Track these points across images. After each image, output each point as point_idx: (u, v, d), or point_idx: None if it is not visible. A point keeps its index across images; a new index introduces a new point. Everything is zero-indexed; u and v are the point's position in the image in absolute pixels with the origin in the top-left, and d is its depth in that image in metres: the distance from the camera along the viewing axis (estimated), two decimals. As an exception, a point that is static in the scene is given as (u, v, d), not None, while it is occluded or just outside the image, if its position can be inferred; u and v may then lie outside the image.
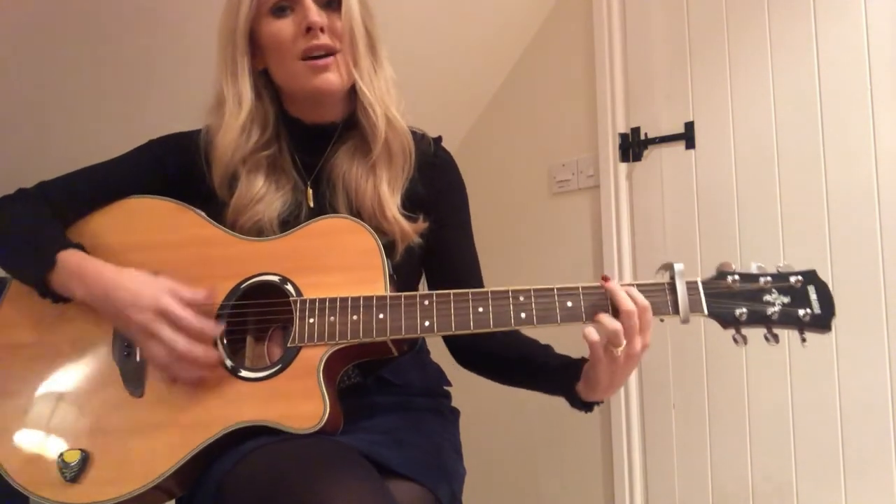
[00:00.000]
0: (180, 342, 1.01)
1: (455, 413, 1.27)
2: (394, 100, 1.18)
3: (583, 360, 1.11)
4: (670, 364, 2.20)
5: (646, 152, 2.28)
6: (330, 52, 1.12)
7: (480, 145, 2.65)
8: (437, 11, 2.24)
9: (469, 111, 2.67)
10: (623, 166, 2.31)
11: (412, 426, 1.15)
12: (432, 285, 1.25)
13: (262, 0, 1.13)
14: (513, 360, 1.21)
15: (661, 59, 2.25)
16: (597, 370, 1.04)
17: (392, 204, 1.15)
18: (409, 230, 1.16)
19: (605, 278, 1.03)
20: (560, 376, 1.13)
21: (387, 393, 1.18)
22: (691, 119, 2.18)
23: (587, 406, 1.13)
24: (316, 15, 1.11)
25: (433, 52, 2.30)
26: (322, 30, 1.11)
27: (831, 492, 1.89)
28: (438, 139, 1.27)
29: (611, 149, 2.32)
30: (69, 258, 1.06)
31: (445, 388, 1.28)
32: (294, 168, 1.19)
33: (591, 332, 1.01)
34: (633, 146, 2.29)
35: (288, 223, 1.15)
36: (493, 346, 1.20)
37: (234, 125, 1.14)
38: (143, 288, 1.03)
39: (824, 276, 1.84)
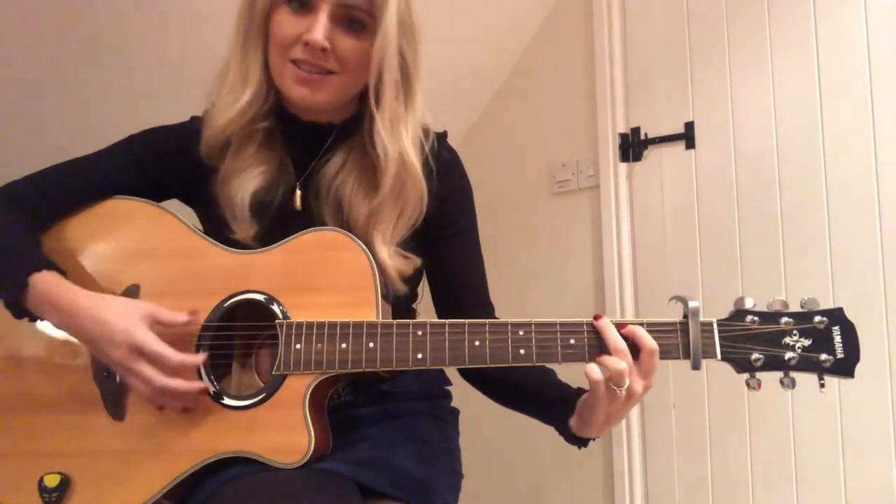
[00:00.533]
0: (157, 378, 0.96)
1: (454, 414, 1.24)
2: (415, 140, 1.08)
3: (577, 394, 1.05)
4: (670, 364, 2.19)
5: (646, 152, 2.28)
6: (322, 72, 1.04)
7: (480, 145, 2.64)
8: (437, 12, 2.23)
9: (469, 111, 2.67)
10: (623, 166, 2.31)
11: (402, 437, 1.11)
12: (436, 292, 1.20)
13: None
14: (509, 386, 1.15)
15: (661, 59, 2.25)
16: (595, 409, 0.98)
17: (385, 250, 1.06)
18: (395, 276, 1.06)
19: (598, 316, 0.96)
20: (553, 411, 1.08)
21: (378, 403, 1.14)
22: (691, 119, 2.18)
23: (581, 441, 1.07)
24: (319, 34, 1.00)
25: (433, 53, 2.28)
26: (324, 50, 1.01)
27: (831, 492, 1.89)
28: (443, 135, 1.17)
29: (611, 149, 2.32)
30: (41, 283, 1.00)
31: (445, 388, 1.25)
32: (284, 157, 1.12)
33: (594, 370, 0.94)
34: (633, 146, 2.29)
35: (260, 206, 1.08)
36: (491, 369, 1.09)
37: (236, 105, 1.06)
38: (117, 320, 0.97)
39: (824, 275, 1.88)
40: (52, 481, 1.01)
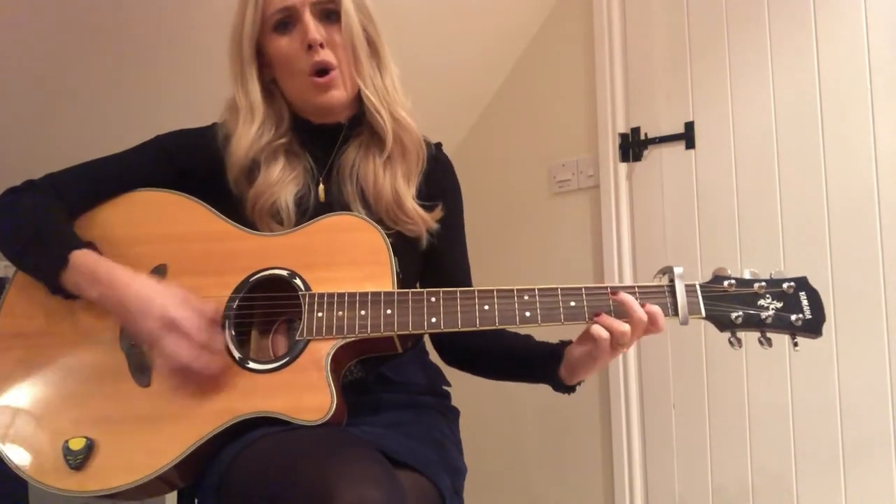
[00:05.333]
0: (184, 353, 1.01)
1: (455, 412, 1.28)
2: (400, 99, 1.21)
3: (563, 346, 1.16)
4: (670, 364, 2.20)
5: (646, 152, 2.28)
6: (331, 68, 1.15)
7: (480, 145, 2.65)
8: (438, 12, 2.24)
9: (469, 111, 2.67)
10: (623, 166, 2.31)
11: (415, 421, 1.17)
12: (424, 286, 1.25)
13: (265, 17, 1.16)
14: (497, 355, 1.24)
15: (661, 59, 2.25)
16: (596, 360, 1.09)
17: (409, 195, 1.19)
18: (428, 217, 1.20)
19: (614, 291, 1.07)
20: (544, 364, 1.18)
21: (390, 391, 1.19)
22: (691, 119, 2.18)
23: (571, 389, 1.19)
24: (314, 32, 1.14)
25: (433, 53, 2.30)
26: (322, 45, 1.14)
27: (831, 492, 1.89)
28: (439, 145, 1.30)
29: (611, 149, 2.32)
30: (82, 259, 1.06)
31: (445, 388, 1.29)
32: (307, 159, 1.22)
33: (601, 330, 1.05)
34: (633, 146, 2.29)
35: (300, 206, 1.17)
36: (477, 343, 1.22)
37: (248, 133, 1.17)
38: (153, 296, 1.03)
39: (824, 276, 1.88)
40: (76, 444, 1.03)
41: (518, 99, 2.60)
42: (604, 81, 2.34)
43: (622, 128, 2.31)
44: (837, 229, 1.91)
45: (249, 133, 1.16)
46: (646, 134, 2.27)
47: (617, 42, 2.33)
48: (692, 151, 2.18)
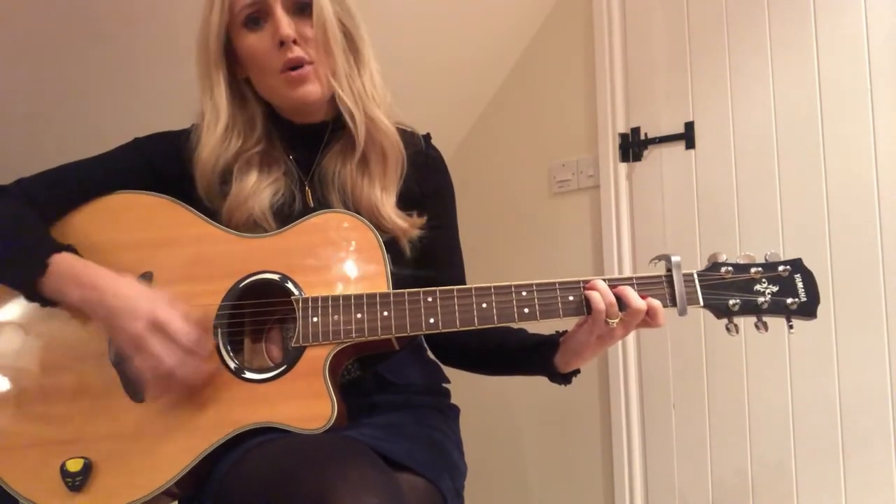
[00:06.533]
0: (171, 357, 0.97)
1: (455, 410, 1.27)
2: (378, 98, 1.16)
3: (559, 335, 1.14)
4: (670, 364, 2.20)
5: (646, 152, 2.28)
6: (304, 63, 1.10)
7: (480, 145, 2.64)
8: (438, 12, 2.24)
9: (469, 111, 2.67)
10: (623, 166, 2.31)
11: (414, 422, 1.15)
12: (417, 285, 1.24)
13: (234, 13, 1.10)
14: (490, 349, 1.22)
15: (661, 59, 2.25)
16: (592, 340, 1.07)
17: (387, 204, 1.14)
18: (407, 226, 1.15)
19: (613, 284, 1.05)
20: (538, 354, 1.15)
21: (388, 392, 1.18)
22: (691, 119, 2.18)
23: (566, 378, 1.16)
24: (286, 27, 1.08)
25: (433, 53, 2.30)
26: (295, 41, 1.09)
27: (831, 488, 1.89)
28: (427, 136, 1.25)
29: (611, 149, 2.32)
30: (62, 261, 1.02)
31: (444, 385, 1.28)
32: (288, 163, 1.18)
33: (598, 299, 1.03)
34: (633, 146, 2.29)
35: (281, 213, 1.13)
36: (469, 339, 1.18)
37: (212, 139, 1.11)
38: (140, 296, 1.00)
39: (824, 275, 1.88)
40: (74, 466, 1.00)
41: (518, 99, 2.59)
42: (604, 81, 2.34)
43: (622, 128, 2.31)
44: (837, 229, 1.91)
45: (211, 141, 1.11)
46: (646, 134, 2.27)
47: (617, 42, 2.33)
48: (692, 151, 2.18)
